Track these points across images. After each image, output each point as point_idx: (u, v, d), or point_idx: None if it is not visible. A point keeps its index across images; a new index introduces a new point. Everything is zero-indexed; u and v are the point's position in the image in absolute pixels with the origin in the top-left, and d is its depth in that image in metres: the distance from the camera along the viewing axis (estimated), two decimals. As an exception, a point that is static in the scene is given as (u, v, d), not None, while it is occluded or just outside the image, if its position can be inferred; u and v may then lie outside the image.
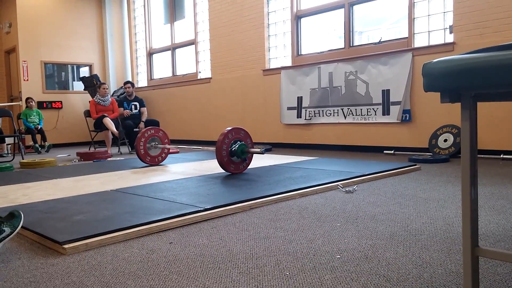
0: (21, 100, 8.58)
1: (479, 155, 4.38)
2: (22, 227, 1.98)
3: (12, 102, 9.15)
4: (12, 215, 1.95)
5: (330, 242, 1.85)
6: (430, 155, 4.67)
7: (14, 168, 4.99)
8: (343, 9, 5.88)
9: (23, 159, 5.74)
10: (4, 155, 7.13)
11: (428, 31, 5.02)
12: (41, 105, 8.59)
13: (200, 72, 8.14)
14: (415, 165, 3.98)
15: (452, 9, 4.72)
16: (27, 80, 8.67)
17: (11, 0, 8.71)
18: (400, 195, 2.80)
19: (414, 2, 5.08)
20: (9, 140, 7.46)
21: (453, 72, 1.00)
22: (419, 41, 5.11)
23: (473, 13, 4.53)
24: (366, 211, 2.39)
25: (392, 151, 5.13)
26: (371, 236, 1.92)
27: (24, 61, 8.64)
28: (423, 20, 5.07)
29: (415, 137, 5.11)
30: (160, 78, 9.25)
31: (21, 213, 1.98)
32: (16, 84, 9.10)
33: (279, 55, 6.73)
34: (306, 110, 6.17)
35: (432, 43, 4.97)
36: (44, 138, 7.67)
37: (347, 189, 3.00)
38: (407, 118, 5.13)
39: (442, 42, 4.87)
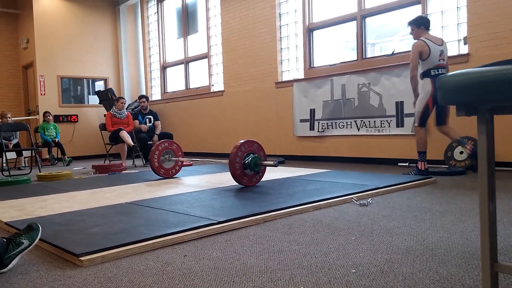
0: (38, 114, 8.73)
1: (496, 168, 4.32)
2: (40, 239, 2.01)
3: (29, 116, 9.33)
4: (30, 228, 1.98)
5: (345, 256, 1.84)
6: (445, 167, 4.62)
7: (32, 180, 5.06)
8: (355, 22, 5.90)
9: (40, 172, 5.82)
10: (21, 168, 7.25)
11: (442, 43, 5.00)
12: (57, 118, 8.73)
13: (213, 85, 8.21)
14: (431, 177, 3.94)
15: (466, 20, 4.70)
16: (44, 94, 8.84)
17: (29, 17, 8.93)
18: (416, 208, 2.77)
19: (427, 14, 5.08)
20: (26, 153, 7.59)
21: (469, 85, 1.00)
22: (433, 53, 5.08)
23: (487, 24, 4.51)
24: (381, 224, 2.37)
25: (407, 164, 5.09)
26: (387, 250, 1.90)
27: (41, 76, 8.81)
28: (436, 31, 5.05)
29: (430, 149, 5.04)
30: (174, 92, 9.35)
31: (39, 225, 2.01)
32: (33, 98, 9.28)
33: (291, 68, 6.76)
34: (319, 123, 6.17)
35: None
36: (63, 152, 7.79)
37: (361, 202, 2.98)
38: (422, 130, 5.08)
39: (457, 53, 4.84)
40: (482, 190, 1.06)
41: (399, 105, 5.25)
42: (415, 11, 5.34)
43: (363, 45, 5.87)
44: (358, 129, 5.71)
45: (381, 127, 5.46)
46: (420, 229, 2.23)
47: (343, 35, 6.71)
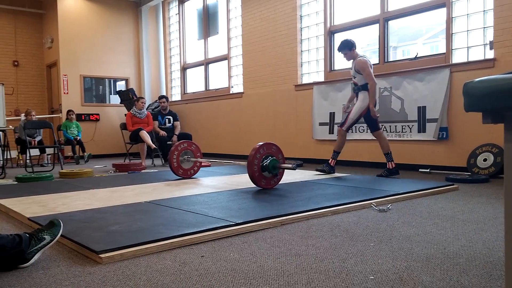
0: (61, 112, 8.91)
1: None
2: (61, 235, 2.04)
3: (52, 114, 9.52)
4: (52, 224, 2.02)
5: (363, 262, 1.82)
6: (468, 174, 4.52)
7: (54, 177, 5.16)
8: (377, 25, 5.84)
9: (62, 169, 5.93)
10: (44, 164, 7.40)
11: (467, 47, 4.91)
12: (79, 117, 8.88)
13: (232, 87, 8.24)
14: (453, 184, 3.86)
15: (492, 25, 4.61)
16: (67, 93, 9.01)
17: (53, 17, 9.12)
18: (437, 215, 2.72)
19: (452, 18, 5.00)
20: (49, 151, 7.74)
21: (496, 92, 0.98)
22: (458, 57, 5.01)
23: (514, 29, 4.41)
24: (400, 231, 2.34)
25: (428, 170, 5.01)
26: (406, 257, 1.88)
27: (65, 75, 8.99)
28: (461, 36, 4.97)
29: (452, 156, 4.97)
30: (193, 93, 9.41)
31: (61, 222, 2.05)
32: (56, 97, 9.47)
33: (311, 70, 6.73)
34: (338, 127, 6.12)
35: (472, 59, 4.85)
36: (83, 149, 7.92)
37: (380, 207, 2.94)
38: (444, 136, 5.00)
39: (482, 58, 4.75)
40: (508, 198, 1.04)
41: (422, 110, 5.18)
42: (439, 14, 5.27)
43: (385, 48, 5.80)
44: (378, 134, 5.64)
45: (402, 132, 5.39)
46: (441, 237, 2.19)
47: (364, 38, 6.65)
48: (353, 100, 4.95)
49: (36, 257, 1.88)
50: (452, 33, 5.02)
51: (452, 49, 5.03)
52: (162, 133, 7.20)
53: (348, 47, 4.78)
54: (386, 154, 4.72)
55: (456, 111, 4.90)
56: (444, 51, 5.13)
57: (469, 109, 1.07)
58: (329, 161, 4.89)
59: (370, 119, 4.75)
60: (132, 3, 9.84)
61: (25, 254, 1.84)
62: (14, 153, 7.45)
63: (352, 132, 5.96)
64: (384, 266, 1.77)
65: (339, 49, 4.86)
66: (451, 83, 4.91)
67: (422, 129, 5.19)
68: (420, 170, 5.10)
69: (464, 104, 1.08)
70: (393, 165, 4.66)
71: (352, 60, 4.83)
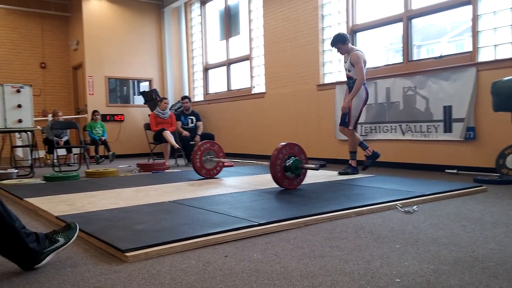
0: (86, 113, 9.09)
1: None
2: (88, 234, 2.08)
3: (78, 115, 9.72)
4: (68, 227, 2.01)
5: (389, 264, 1.79)
6: (497, 175, 4.40)
7: (80, 177, 5.27)
8: (401, 23, 5.75)
9: (88, 168, 6.05)
10: (71, 164, 7.56)
11: (494, 45, 4.79)
12: (104, 117, 9.05)
13: (254, 87, 8.25)
14: (481, 186, 3.76)
15: (521, 22, 4.48)
16: (92, 94, 9.19)
17: (79, 20, 9.31)
18: (465, 217, 2.66)
19: (478, 15, 4.88)
20: (75, 150, 7.91)
21: (530, 91, 0.95)
22: (484, 55, 4.88)
23: (544, 26, 4.27)
24: (427, 233, 2.29)
25: (455, 171, 4.90)
26: (433, 260, 1.84)
27: (90, 77, 9.17)
28: (488, 33, 4.84)
29: (480, 156, 4.86)
30: (216, 93, 9.46)
31: (77, 225, 2.03)
32: (82, 97, 9.66)
33: (333, 70, 6.68)
34: (362, 126, 6.06)
35: (499, 57, 4.73)
36: (108, 148, 8.06)
37: (406, 209, 2.89)
38: (471, 136, 4.89)
39: (510, 56, 4.61)
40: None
41: (447, 110, 5.07)
42: (464, 12, 5.15)
43: (409, 47, 5.71)
44: (403, 134, 5.56)
45: (427, 132, 5.29)
46: (469, 240, 2.14)
47: (387, 36, 6.56)
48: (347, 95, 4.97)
49: (48, 258, 1.86)
50: (478, 31, 4.89)
51: (478, 47, 4.91)
52: (185, 133, 7.26)
53: (341, 41, 4.78)
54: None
55: (483, 111, 4.77)
56: (470, 49, 5.01)
57: (497, 109, 1.04)
58: (349, 162, 4.90)
59: (348, 114, 4.81)
60: (155, 5, 9.96)
61: (39, 254, 1.82)
62: (42, 153, 7.64)
63: (376, 132, 5.89)
64: (410, 268, 1.74)
65: (332, 44, 4.86)
66: (478, 82, 4.79)
67: (448, 129, 5.08)
68: (446, 171, 5.00)
69: (493, 104, 1.06)
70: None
71: (346, 54, 4.86)
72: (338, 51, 4.91)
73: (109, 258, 1.97)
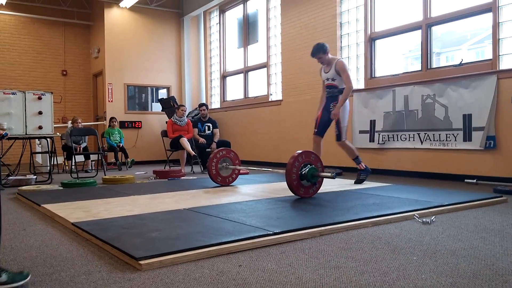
0: (105, 119, 9.22)
1: None
2: (103, 241, 2.07)
3: (97, 122, 9.87)
4: (20, 272, 1.79)
5: (406, 277, 1.75)
6: (517, 186, 4.30)
7: (97, 183, 5.33)
8: (420, 31, 5.69)
9: (105, 175, 6.11)
10: (88, 170, 7.66)
11: (516, 53, 4.70)
12: (122, 124, 9.16)
13: (271, 94, 8.25)
14: (501, 196, 3.68)
15: (543, 29, 4.38)
16: (111, 101, 9.32)
17: (100, 28, 9.48)
18: (484, 229, 2.59)
19: (499, 22, 4.79)
20: (93, 157, 8.02)
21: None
22: (506, 63, 4.79)
23: None
24: (445, 245, 2.24)
25: (474, 181, 4.79)
26: (452, 273, 1.79)
27: (110, 84, 9.31)
28: (510, 41, 4.75)
29: (500, 166, 4.74)
30: (233, 100, 9.50)
31: (30, 275, 1.79)
32: (101, 104, 9.81)
33: (351, 77, 6.62)
34: (379, 134, 5.99)
35: (520, 65, 4.63)
36: (126, 155, 8.15)
37: (424, 219, 2.84)
38: (492, 145, 4.79)
39: (532, 64, 4.52)
40: None
41: (467, 118, 4.98)
42: (485, 19, 5.07)
43: (428, 55, 5.64)
44: (422, 142, 5.47)
45: (446, 140, 5.20)
46: (489, 252, 2.08)
47: (406, 44, 6.50)
48: (323, 105, 4.95)
49: None
50: (499, 38, 4.81)
51: (499, 55, 4.82)
52: (201, 140, 7.30)
53: (323, 51, 4.76)
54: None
55: (504, 119, 4.67)
56: (490, 57, 4.93)
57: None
58: (359, 168, 4.83)
59: (326, 121, 4.84)
60: (175, 14, 10.08)
61: None
62: (60, 159, 7.76)
63: (393, 140, 5.82)
64: (428, 281, 1.69)
65: (313, 55, 4.83)
66: (499, 90, 4.70)
67: (467, 137, 4.98)
68: (465, 180, 4.89)
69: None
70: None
71: (324, 66, 4.84)
72: (319, 61, 4.86)
73: (123, 266, 1.97)
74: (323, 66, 4.91)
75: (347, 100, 4.77)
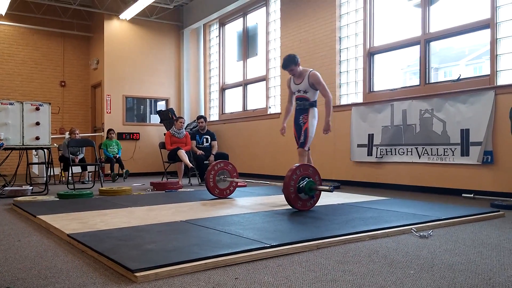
0: (103, 131, 9.22)
1: None
2: (98, 253, 2.05)
3: (95, 133, 9.86)
4: None
5: (403, 291, 1.74)
6: (515, 201, 4.30)
7: (94, 194, 5.30)
8: (418, 46, 5.74)
9: (102, 186, 6.09)
10: (85, 182, 7.63)
11: (513, 69, 4.73)
12: (120, 136, 9.15)
13: (270, 107, 8.27)
14: (499, 211, 3.67)
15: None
16: (110, 112, 9.33)
17: (100, 40, 9.54)
18: (481, 243, 2.58)
19: (497, 38, 4.84)
20: (90, 168, 7.99)
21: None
22: (503, 79, 4.82)
23: None
24: (442, 259, 2.23)
25: (472, 195, 4.79)
26: (449, 287, 1.78)
27: (108, 95, 9.33)
28: (507, 57, 4.79)
29: (498, 181, 4.75)
30: (231, 113, 9.52)
31: None
32: (100, 116, 9.82)
33: (350, 91, 6.67)
34: (377, 148, 6.00)
35: (517, 81, 4.67)
36: (122, 166, 8.13)
37: (421, 233, 2.83)
38: (489, 160, 4.80)
39: (529, 80, 4.55)
40: None
41: (465, 133, 5.00)
42: (483, 35, 5.12)
43: (427, 70, 5.68)
44: (419, 157, 5.48)
45: (444, 155, 5.21)
46: (486, 267, 2.07)
47: (405, 59, 6.55)
48: (287, 119, 4.89)
49: None
50: (497, 54, 4.85)
51: (497, 71, 4.86)
52: (199, 152, 7.30)
53: (294, 63, 4.66)
54: None
55: (501, 135, 4.69)
56: (488, 72, 4.97)
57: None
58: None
59: (305, 134, 4.69)
60: (174, 26, 10.16)
61: None
62: (57, 170, 7.74)
63: (391, 154, 5.82)
64: (425, 296, 1.68)
65: (285, 67, 4.72)
66: (496, 106, 4.73)
67: (465, 152, 5.00)
68: (463, 195, 4.89)
69: (512, 128, 1.03)
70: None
71: (297, 76, 4.73)
72: (290, 73, 4.76)
73: (118, 278, 1.95)
74: (293, 77, 4.81)
75: (316, 110, 4.69)
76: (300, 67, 4.74)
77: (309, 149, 4.71)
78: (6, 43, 9.45)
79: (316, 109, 4.71)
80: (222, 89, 9.85)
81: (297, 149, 4.76)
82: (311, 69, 4.69)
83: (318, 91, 4.73)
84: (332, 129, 4.74)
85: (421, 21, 5.68)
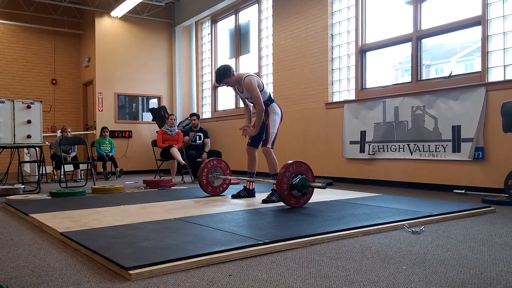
0: (95, 129, 9.17)
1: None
2: (92, 251, 2.06)
3: (87, 131, 9.80)
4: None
5: (395, 286, 1.76)
6: (506, 196, 4.34)
7: (86, 193, 5.28)
8: (410, 43, 5.77)
9: (94, 184, 6.06)
10: (77, 180, 7.59)
11: (504, 65, 4.78)
12: (112, 134, 9.10)
13: (263, 104, 8.27)
14: (489, 206, 3.72)
15: (529, 43, 4.47)
16: (102, 110, 9.27)
17: (91, 37, 9.48)
18: (473, 239, 2.61)
19: (488, 36, 4.88)
20: (82, 166, 7.95)
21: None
22: (494, 76, 4.87)
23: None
24: (434, 254, 2.25)
25: (463, 191, 4.84)
26: (441, 282, 1.80)
27: (100, 93, 9.27)
28: (498, 54, 4.84)
29: (488, 177, 4.80)
30: (224, 110, 9.51)
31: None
32: (91, 114, 9.76)
33: (342, 88, 6.69)
34: (369, 145, 6.04)
35: (509, 77, 4.71)
36: (115, 164, 8.10)
37: (413, 229, 2.85)
38: (480, 156, 4.84)
39: (519, 77, 4.60)
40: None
41: (456, 130, 5.04)
42: (474, 32, 5.16)
43: (418, 66, 5.71)
44: (411, 153, 5.52)
45: (435, 151, 5.26)
46: (477, 262, 2.10)
47: (396, 56, 6.58)
48: (250, 119, 4.54)
49: None
50: (488, 51, 4.89)
51: (488, 68, 4.90)
52: (187, 138, 7.28)
53: (227, 75, 4.23)
54: (274, 174, 4.29)
55: (492, 131, 4.74)
56: (479, 69, 5.01)
57: (508, 129, 1.03)
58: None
59: (266, 131, 4.31)
60: (166, 24, 10.11)
61: None
62: (49, 169, 7.68)
63: (383, 151, 5.86)
64: (417, 291, 1.70)
65: (219, 82, 4.33)
66: (487, 102, 4.77)
67: (456, 148, 5.04)
68: (454, 191, 4.94)
69: (503, 124, 1.05)
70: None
71: (237, 85, 4.35)
72: (228, 86, 4.40)
73: (112, 276, 1.95)
74: (233, 87, 4.47)
75: (276, 106, 4.35)
76: (235, 75, 4.30)
77: (272, 146, 4.32)
78: (-4, 40, 9.36)
79: (274, 104, 4.36)
80: (215, 87, 9.83)
81: (261, 148, 4.40)
82: (246, 74, 4.23)
83: (263, 91, 4.30)
84: (253, 133, 4.38)
85: (413, 18, 5.71)
